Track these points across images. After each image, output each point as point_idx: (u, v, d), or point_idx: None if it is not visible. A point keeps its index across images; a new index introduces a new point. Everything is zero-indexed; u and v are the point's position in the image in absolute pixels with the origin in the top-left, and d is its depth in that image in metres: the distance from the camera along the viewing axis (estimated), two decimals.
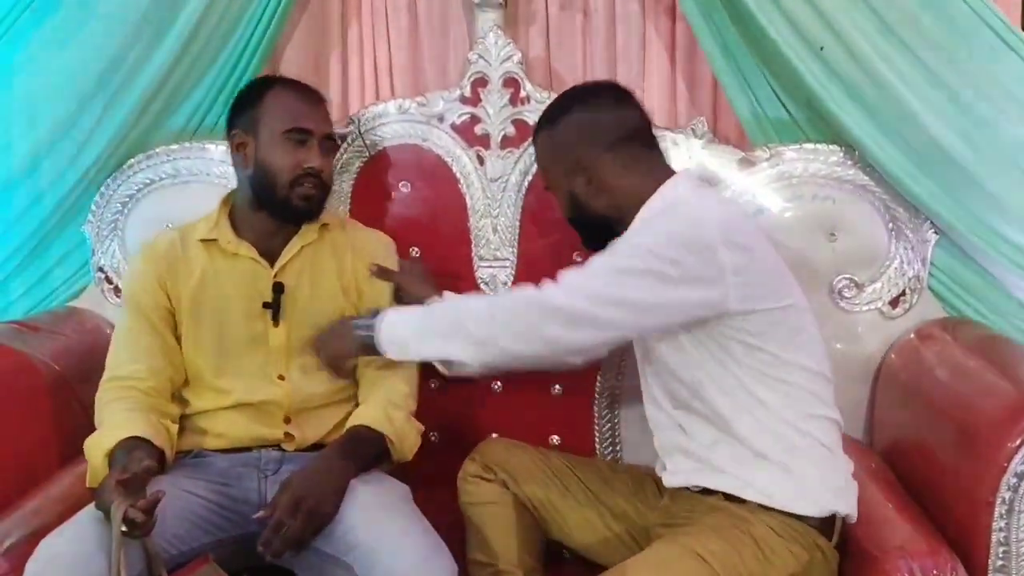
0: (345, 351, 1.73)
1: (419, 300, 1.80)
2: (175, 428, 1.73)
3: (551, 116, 1.72)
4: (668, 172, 1.67)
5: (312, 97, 1.83)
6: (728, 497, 1.57)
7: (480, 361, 1.59)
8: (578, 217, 1.71)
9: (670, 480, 1.66)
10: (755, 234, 1.61)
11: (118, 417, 1.66)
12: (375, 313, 1.71)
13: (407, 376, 1.81)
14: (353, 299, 1.85)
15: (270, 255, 1.80)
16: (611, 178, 1.64)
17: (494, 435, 2.04)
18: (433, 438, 2.13)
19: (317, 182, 1.77)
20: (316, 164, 1.76)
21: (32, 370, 1.90)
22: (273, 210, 1.78)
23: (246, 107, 1.80)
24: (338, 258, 1.85)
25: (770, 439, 1.56)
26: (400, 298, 1.87)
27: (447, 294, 1.80)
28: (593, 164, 1.64)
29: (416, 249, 2.11)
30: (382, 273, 1.87)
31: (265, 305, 1.77)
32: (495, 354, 1.58)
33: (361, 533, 1.54)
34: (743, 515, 1.54)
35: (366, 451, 1.70)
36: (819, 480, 1.57)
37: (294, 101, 1.79)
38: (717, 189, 2.02)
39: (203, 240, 1.80)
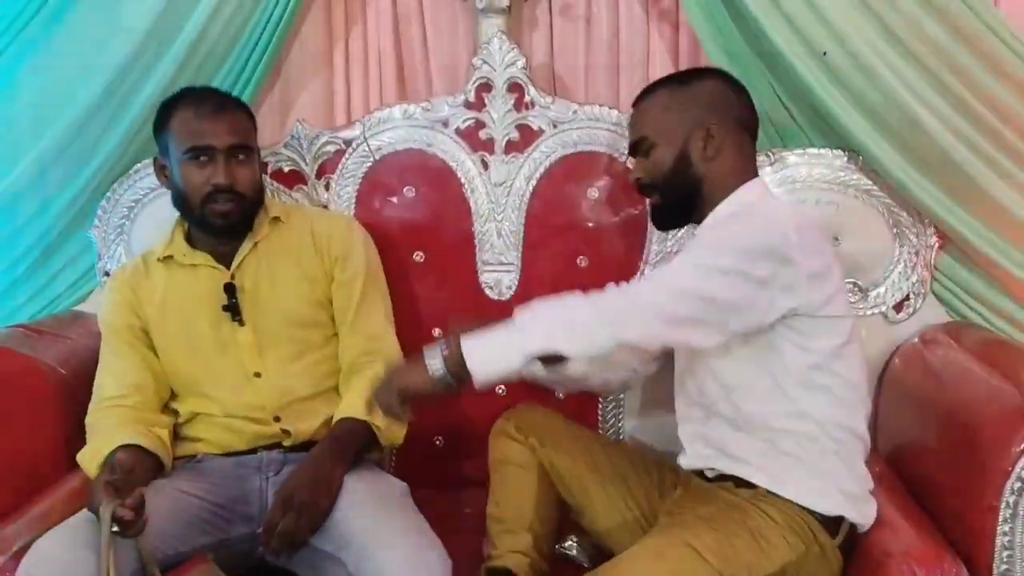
0: (420, 385, 1.49)
1: None
2: (167, 435, 1.76)
3: (683, 77, 1.76)
4: (754, 173, 1.71)
5: (212, 109, 1.78)
6: (739, 483, 1.59)
7: (586, 351, 1.48)
8: (673, 177, 1.68)
9: (686, 462, 1.70)
10: (826, 242, 1.68)
11: (108, 430, 1.70)
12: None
13: (389, 360, 1.80)
14: (323, 288, 1.86)
15: (226, 259, 1.82)
16: (724, 153, 1.66)
17: None
18: (438, 443, 2.14)
19: (230, 195, 1.76)
20: (221, 180, 1.74)
21: (38, 374, 1.91)
22: (200, 227, 1.80)
23: (159, 130, 1.81)
24: (295, 248, 1.86)
25: (796, 440, 1.58)
26: None
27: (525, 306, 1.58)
28: (716, 129, 1.65)
29: (421, 253, 2.12)
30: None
31: (224, 308, 1.79)
32: (601, 342, 1.47)
33: (356, 529, 1.56)
34: (743, 506, 1.56)
35: (353, 442, 1.72)
36: (833, 481, 1.59)
37: (192, 119, 1.77)
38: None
39: (161, 259, 1.83)
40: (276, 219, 1.86)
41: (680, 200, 1.70)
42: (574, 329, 1.46)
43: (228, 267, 1.82)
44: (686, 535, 1.50)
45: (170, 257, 1.83)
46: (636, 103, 1.76)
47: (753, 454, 1.60)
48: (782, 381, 1.57)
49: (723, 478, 1.63)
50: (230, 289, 1.80)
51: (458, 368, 1.45)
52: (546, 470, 1.78)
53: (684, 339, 1.54)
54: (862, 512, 1.61)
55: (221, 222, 1.77)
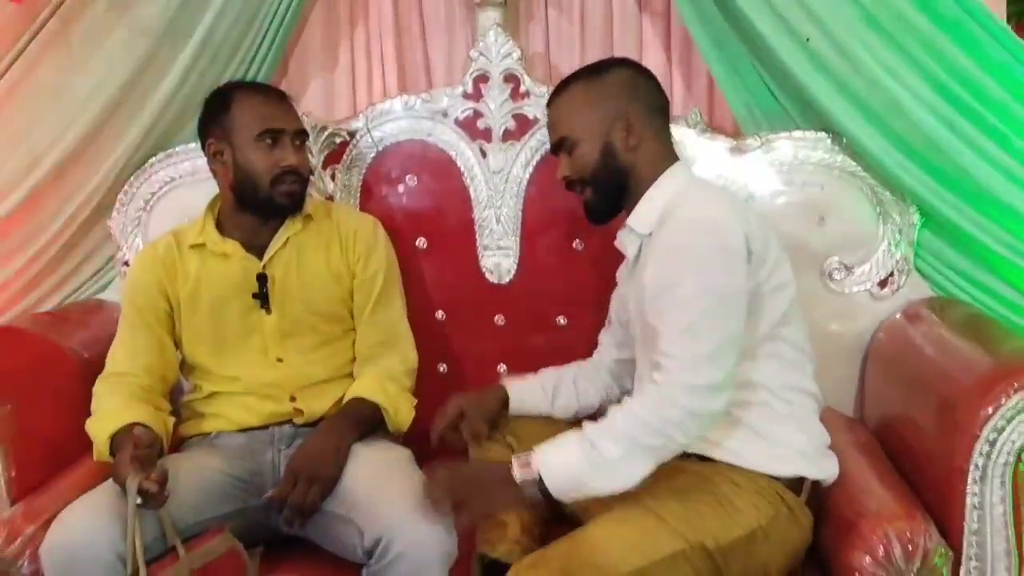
0: (507, 503, 1.59)
1: (494, 404, 1.88)
2: (171, 420, 1.85)
3: (594, 69, 1.76)
4: (674, 157, 1.75)
5: (277, 97, 1.92)
6: (701, 458, 1.65)
7: (659, 464, 1.56)
8: (600, 171, 1.71)
9: None
10: (759, 219, 1.70)
11: (118, 405, 1.78)
12: (521, 459, 1.58)
13: (402, 354, 1.92)
14: (347, 284, 1.95)
15: (258, 250, 1.90)
16: (645, 142, 1.70)
17: None
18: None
19: (296, 177, 1.86)
20: (293, 161, 1.85)
21: (63, 358, 2.02)
22: (258, 209, 1.88)
23: (216, 116, 1.88)
24: (324, 245, 1.94)
25: (748, 409, 1.64)
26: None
27: (585, 424, 1.59)
28: (635, 118, 1.68)
29: (423, 239, 2.21)
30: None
31: (254, 295, 1.88)
32: (675, 452, 1.56)
33: (362, 491, 1.65)
34: (709, 475, 1.62)
35: (361, 419, 1.81)
36: (790, 444, 1.65)
37: (261, 104, 1.87)
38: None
39: (193, 245, 1.92)
40: (308, 216, 1.95)
41: (610, 192, 1.73)
42: (648, 451, 1.53)
43: (259, 258, 1.90)
44: (651, 503, 1.56)
45: (202, 244, 1.92)
46: (551, 102, 1.77)
47: (710, 430, 1.63)
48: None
49: (685, 456, 1.63)
50: (262, 279, 1.89)
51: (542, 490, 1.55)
52: None
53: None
54: (822, 468, 1.67)
55: (288, 202, 1.87)
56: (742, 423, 1.65)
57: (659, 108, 1.75)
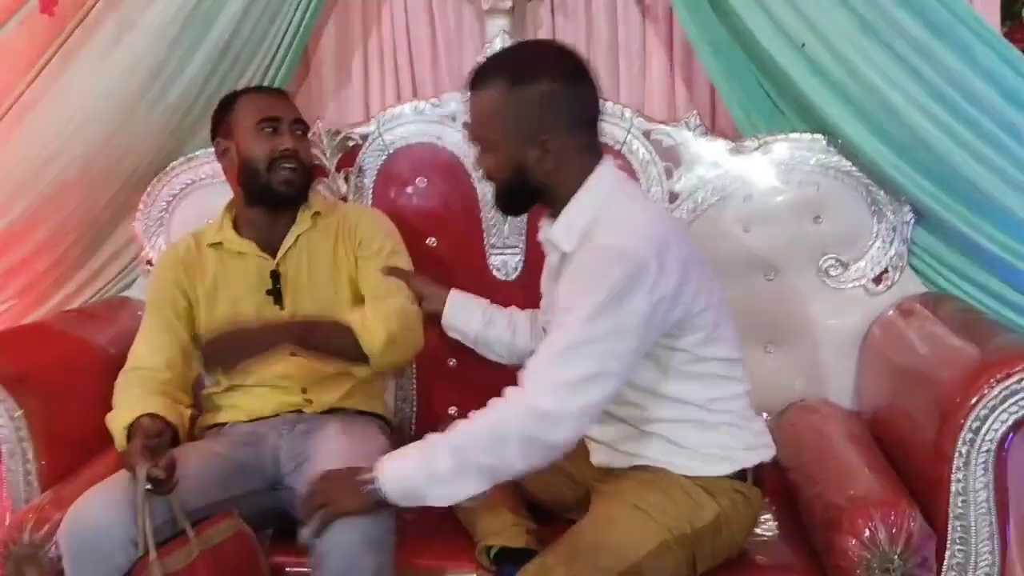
0: (357, 508, 1.58)
1: (436, 300, 2.00)
2: (187, 412, 1.93)
3: (516, 73, 1.60)
4: (599, 156, 1.67)
5: (275, 92, 2.09)
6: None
7: (496, 485, 1.57)
8: (513, 182, 1.65)
9: (596, 461, 1.76)
10: (682, 242, 1.62)
11: (135, 398, 1.86)
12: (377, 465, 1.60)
13: (400, 304, 1.97)
14: (351, 270, 2.02)
15: (271, 248, 2.00)
16: (565, 157, 1.61)
17: None
18: (452, 413, 2.31)
19: (294, 163, 1.95)
20: (290, 145, 1.95)
21: (90, 353, 2.12)
22: (262, 199, 1.97)
23: (222, 118, 2.02)
24: (331, 241, 2.03)
25: (684, 428, 1.67)
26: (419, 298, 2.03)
27: (431, 437, 1.61)
28: (553, 139, 1.59)
29: (433, 239, 2.28)
30: (394, 272, 2.01)
31: (268, 292, 1.97)
32: (511, 475, 1.57)
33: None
34: (667, 472, 1.67)
35: (329, 335, 1.88)
36: (730, 444, 1.69)
37: (260, 98, 2.02)
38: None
39: (211, 245, 2.01)
40: (317, 214, 2.04)
41: (520, 200, 1.71)
42: (481, 471, 1.53)
43: (272, 256, 2.00)
44: (631, 498, 1.60)
45: (219, 243, 2.02)
46: (471, 86, 1.65)
47: (651, 451, 1.67)
48: (661, 383, 1.63)
49: (637, 468, 1.68)
50: (275, 276, 1.98)
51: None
52: None
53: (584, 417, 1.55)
54: (760, 453, 1.72)
55: (285, 189, 1.96)
56: (680, 443, 1.67)
57: (584, 121, 1.64)
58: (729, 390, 1.70)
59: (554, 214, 1.68)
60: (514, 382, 2.19)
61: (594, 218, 1.61)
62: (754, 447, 1.73)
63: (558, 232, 1.66)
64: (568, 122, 1.61)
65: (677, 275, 1.56)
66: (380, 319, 1.89)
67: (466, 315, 2.07)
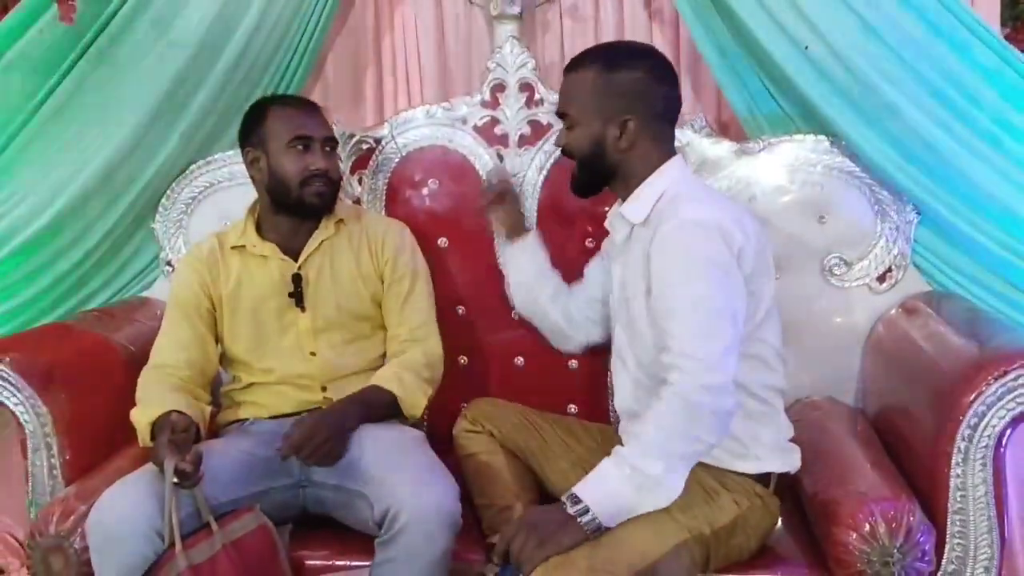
0: (575, 542, 1.57)
1: (517, 218, 2.12)
2: (208, 409, 1.98)
3: (612, 60, 1.77)
4: (672, 152, 1.80)
5: (308, 107, 2.06)
6: None
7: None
8: (588, 158, 1.79)
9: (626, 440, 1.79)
10: (752, 219, 1.74)
11: (161, 395, 1.91)
12: (571, 497, 1.60)
13: (425, 347, 2.05)
14: (375, 285, 2.08)
15: (293, 252, 2.04)
16: (640, 144, 1.74)
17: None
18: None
19: (325, 180, 2.00)
20: (321, 165, 1.99)
21: (112, 351, 2.16)
22: (290, 211, 2.01)
23: (253, 127, 2.03)
24: (354, 248, 2.08)
25: None
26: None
27: (618, 452, 1.62)
28: (635, 125, 1.73)
29: (444, 239, 2.33)
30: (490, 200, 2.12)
31: (290, 295, 2.02)
32: (705, 453, 1.63)
33: (374, 467, 1.78)
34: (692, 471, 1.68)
35: (372, 403, 1.94)
36: (759, 442, 1.73)
37: (293, 113, 2.01)
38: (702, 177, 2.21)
39: (234, 247, 2.06)
40: (340, 221, 2.08)
41: (594, 177, 1.82)
42: (685, 457, 1.60)
43: (295, 260, 2.04)
44: None
45: (242, 246, 2.06)
46: (566, 71, 1.82)
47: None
48: None
49: None
50: (296, 279, 2.03)
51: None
52: (509, 449, 1.97)
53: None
54: (787, 461, 1.77)
55: (318, 202, 2.00)
56: None
57: (664, 116, 1.78)
58: (775, 380, 1.76)
59: (623, 198, 1.80)
60: (521, 380, 2.29)
61: (671, 196, 1.73)
62: (780, 453, 1.77)
63: (628, 208, 1.78)
64: (650, 112, 1.75)
65: (754, 245, 1.67)
66: (418, 385, 1.99)
67: (534, 259, 2.13)
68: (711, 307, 1.61)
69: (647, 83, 1.75)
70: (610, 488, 1.58)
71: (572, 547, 1.56)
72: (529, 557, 1.54)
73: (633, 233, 1.79)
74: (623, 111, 1.73)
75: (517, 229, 2.16)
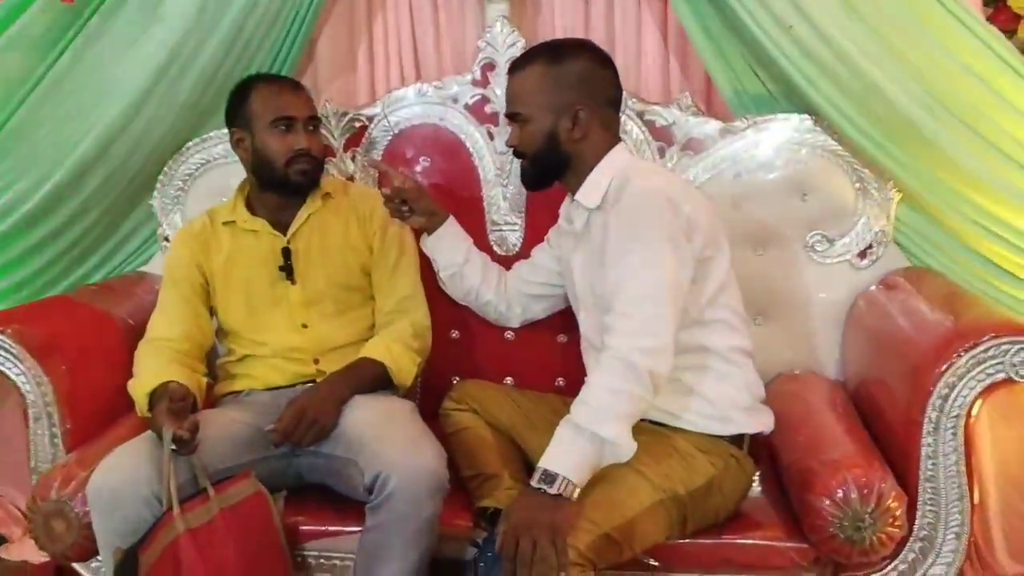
0: (569, 520, 1.60)
1: (429, 212, 2.09)
2: (204, 381, 2.04)
3: (555, 53, 1.84)
4: (617, 139, 1.88)
5: (291, 87, 2.10)
6: (653, 422, 1.79)
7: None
8: (542, 153, 1.85)
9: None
10: (696, 191, 1.88)
11: (158, 366, 1.96)
12: (543, 475, 1.62)
13: (413, 317, 2.10)
14: (364, 257, 2.13)
15: (282, 227, 2.09)
16: (592, 133, 1.82)
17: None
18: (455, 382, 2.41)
19: (308, 158, 2.04)
20: (304, 145, 2.03)
21: (111, 324, 2.21)
22: (276, 188, 2.06)
23: (237, 108, 2.08)
24: (342, 221, 2.13)
25: (700, 373, 1.78)
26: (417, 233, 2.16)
27: (571, 420, 1.67)
28: (585, 114, 1.80)
29: None
30: (407, 190, 2.08)
31: (280, 268, 2.07)
32: (644, 410, 1.67)
33: (364, 435, 1.84)
34: (665, 434, 1.78)
35: (363, 375, 1.99)
36: (732, 403, 1.80)
37: (276, 94, 2.06)
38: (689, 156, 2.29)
39: (225, 223, 2.11)
40: (327, 195, 2.13)
41: (547, 170, 1.89)
42: (630, 416, 1.64)
43: (284, 234, 2.09)
44: (631, 461, 1.66)
45: (233, 222, 2.11)
46: (511, 72, 1.89)
47: (664, 401, 1.73)
48: (682, 331, 1.71)
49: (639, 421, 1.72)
50: (286, 253, 2.08)
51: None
52: (494, 425, 2.03)
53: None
54: (760, 422, 1.84)
55: (302, 180, 2.05)
56: (693, 390, 1.79)
57: (611, 101, 1.86)
58: (738, 340, 1.83)
59: (574, 189, 1.86)
60: (511, 353, 2.34)
61: (621, 176, 1.80)
62: (755, 413, 1.83)
63: (582, 195, 1.85)
64: (599, 98, 1.83)
65: (704, 216, 1.74)
66: (407, 355, 2.04)
67: (449, 248, 2.17)
68: (654, 272, 1.67)
69: (592, 70, 1.83)
70: (578, 456, 1.62)
71: (570, 520, 1.59)
72: (551, 564, 1.54)
73: (590, 219, 1.85)
74: (574, 101, 1.80)
75: (433, 219, 2.15)
